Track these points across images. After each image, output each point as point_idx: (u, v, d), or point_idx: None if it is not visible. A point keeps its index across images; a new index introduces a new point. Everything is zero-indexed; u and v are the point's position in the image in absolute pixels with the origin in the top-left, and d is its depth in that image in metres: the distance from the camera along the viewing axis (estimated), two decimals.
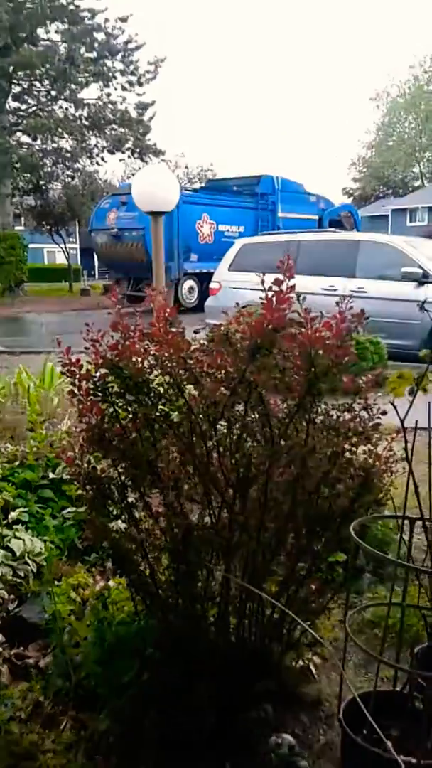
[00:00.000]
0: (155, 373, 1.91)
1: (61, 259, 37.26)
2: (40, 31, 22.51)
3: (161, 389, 1.89)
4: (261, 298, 2.01)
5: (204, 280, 18.87)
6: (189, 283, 20.30)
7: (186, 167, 38.73)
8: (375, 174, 52.77)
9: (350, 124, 70.51)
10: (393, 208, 46.13)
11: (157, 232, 5.02)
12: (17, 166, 23.36)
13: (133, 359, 1.84)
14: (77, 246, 43.48)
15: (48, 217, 27.58)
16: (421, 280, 8.95)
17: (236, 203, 21.23)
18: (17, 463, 3.11)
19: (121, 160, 27.98)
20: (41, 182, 25.17)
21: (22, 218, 28.69)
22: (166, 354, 1.83)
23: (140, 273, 18.84)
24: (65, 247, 31.91)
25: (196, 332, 2.12)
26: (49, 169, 25.20)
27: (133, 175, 35.37)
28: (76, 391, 1.95)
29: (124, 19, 22.81)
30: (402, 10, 66.96)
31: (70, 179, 26.12)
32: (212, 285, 11.47)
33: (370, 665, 2.41)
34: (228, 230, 20.68)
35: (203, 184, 27.74)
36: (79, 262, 40.77)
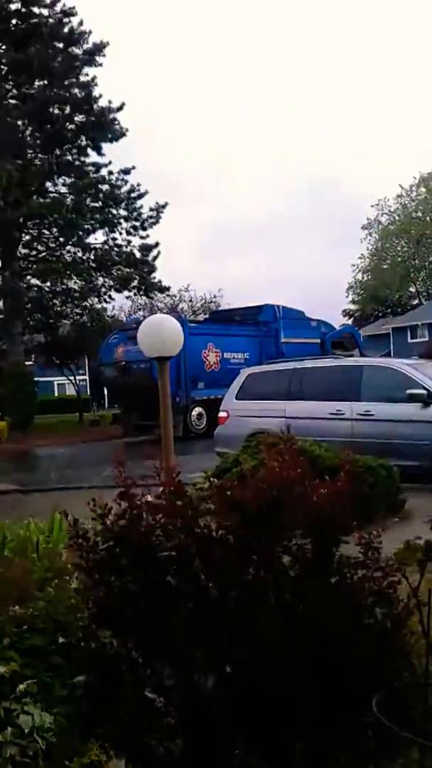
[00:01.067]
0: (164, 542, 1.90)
1: (71, 391, 38.05)
2: (48, 185, 24.35)
3: (170, 560, 1.87)
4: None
5: (212, 406, 19.13)
6: (197, 410, 20.55)
7: (190, 300, 40.35)
8: (373, 295, 54.73)
9: (346, 251, 74.33)
10: (393, 327, 47.35)
11: (163, 376, 5.16)
12: (28, 307, 24.44)
13: (141, 530, 1.84)
14: (86, 377, 44.52)
15: (58, 352, 28.46)
16: (427, 400, 9.01)
17: (240, 332, 21.96)
18: (25, 626, 3.01)
19: (127, 297, 29.21)
20: (51, 320, 26.20)
21: (33, 354, 29.61)
22: (172, 526, 1.82)
23: (148, 403, 19.12)
24: (75, 379, 32.66)
25: (197, 488, 2.12)
26: (59, 308, 26.32)
27: (139, 309, 36.91)
28: (83, 564, 1.93)
29: (126, 171, 24.68)
30: (387, 145, 72.52)
31: (78, 317, 27.19)
32: (220, 414, 11.60)
33: None
34: (233, 357, 21.19)
35: (207, 316, 28.88)
36: (88, 392, 41.57)
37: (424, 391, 9.08)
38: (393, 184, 62.85)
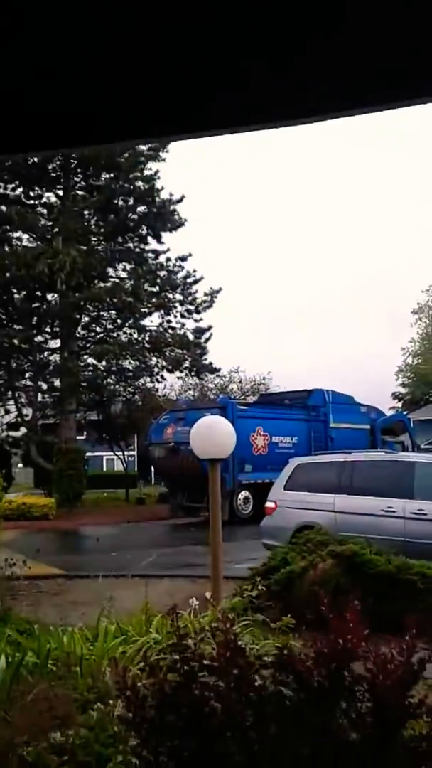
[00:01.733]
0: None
1: (119, 466, 38.28)
2: (109, 270, 25.40)
3: (223, 725, 1.79)
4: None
5: (259, 489, 18.92)
6: (244, 493, 20.32)
7: (240, 381, 40.60)
8: (423, 379, 54.16)
9: (396, 334, 74.28)
10: None
11: (215, 479, 5.13)
12: (83, 385, 25.02)
13: (194, 693, 1.77)
14: (135, 453, 44.77)
15: (109, 429, 28.86)
16: None
17: (289, 416, 21.86)
18: (66, 756, 2.90)
19: (179, 378, 29.68)
20: (105, 399, 26.73)
21: (85, 431, 30.07)
22: (225, 690, 1.75)
23: (195, 485, 19.06)
24: (123, 456, 32.89)
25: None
26: (113, 387, 26.89)
27: (190, 389, 37.32)
28: (131, 718, 1.87)
29: (183, 258, 25.61)
30: None
31: (131, 395, 27.67)
32: (268, 504, 11.44)
33: None
34: (281, 441, 21.08)
35: (256, 398, 28.95)
36: (136, 469, 41.71)
37: None
38: None
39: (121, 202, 25.15)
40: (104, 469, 48.45)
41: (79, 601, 8.59)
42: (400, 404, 53.82)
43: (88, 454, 29.22)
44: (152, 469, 37.11)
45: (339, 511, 9.92)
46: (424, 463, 10.14)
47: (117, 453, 32.61)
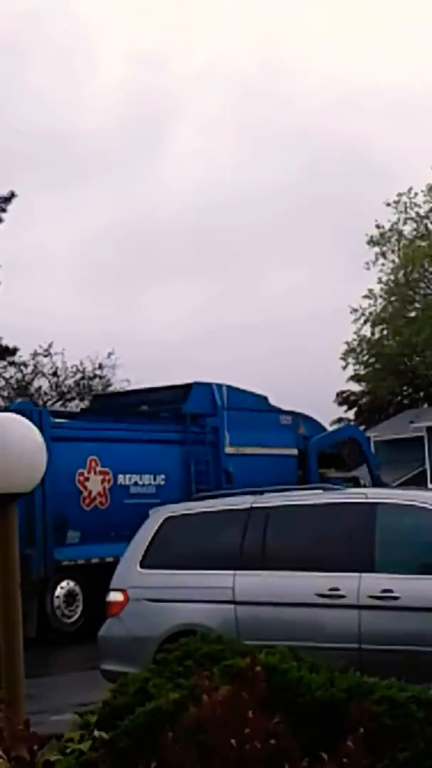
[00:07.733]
0: None
1: None
2: None
3: None
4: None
5: (94, 576, 10.67)
6: (66, 584, 11.38)
7: (55, 373, 22.49)
8: (391, 366, 28.99)
9: (342, 287, 43.41)
10: (429, 425, 25.07)
11: (7, 532, 2.36)
12: None
13: None
14: None
15: None
16: None
17: (148, 434, 12.62)
18: None
19: None
20: None
21: None
22: None
23: None
24: None
25: None
26: None
27: None
28: None
29: None
30: None
31: None
32: (112, 596, 6.35)
33: None
34: (136, 483, 12.07)
35: (87, 401, 18.39)
36: None
37: None
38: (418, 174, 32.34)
39: None
40: None
41: None
42: (351, 414, 32.23)
43: None
44: None
45: (242, 602, 5.79)
46: (392, 504, 5.91)
47: None
